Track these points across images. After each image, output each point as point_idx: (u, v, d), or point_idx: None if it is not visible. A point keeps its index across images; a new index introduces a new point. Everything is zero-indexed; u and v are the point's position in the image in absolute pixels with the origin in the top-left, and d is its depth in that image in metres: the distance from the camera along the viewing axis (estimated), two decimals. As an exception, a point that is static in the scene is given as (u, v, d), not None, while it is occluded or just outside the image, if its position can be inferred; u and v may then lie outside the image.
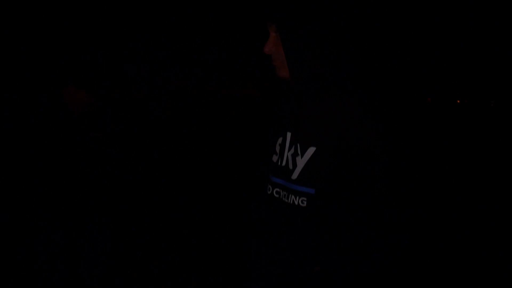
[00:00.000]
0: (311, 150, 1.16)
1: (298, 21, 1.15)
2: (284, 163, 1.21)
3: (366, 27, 1.22)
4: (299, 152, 1.17)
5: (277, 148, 1.25)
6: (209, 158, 7.80)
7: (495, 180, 6.57)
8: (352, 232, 1.13)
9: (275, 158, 1.25)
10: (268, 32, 1.23)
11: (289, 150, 1.21)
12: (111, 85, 2.27)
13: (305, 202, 1.15)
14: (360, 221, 1.12)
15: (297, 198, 1.16)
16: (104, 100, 2.20)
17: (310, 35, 1.14)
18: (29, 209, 2.19)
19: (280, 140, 1.25)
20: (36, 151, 2.16)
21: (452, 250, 3.83)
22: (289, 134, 1.22)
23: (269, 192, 1.24)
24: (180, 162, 7.36)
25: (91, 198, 2.16)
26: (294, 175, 1.18)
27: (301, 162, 1.17)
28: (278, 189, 1.21)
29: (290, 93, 1.27)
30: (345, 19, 1.16)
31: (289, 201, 1.18)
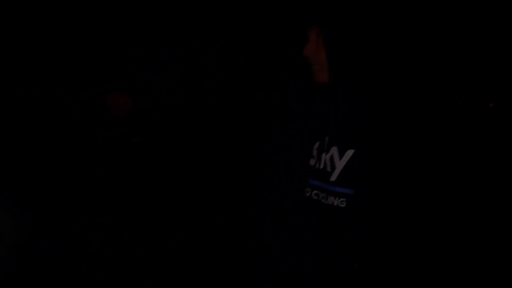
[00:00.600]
0: (350, 153, 1.21)
1: (344, 24, 1.20)
2: (322, 166, 1.26)
3: (407, 30, 1.25)
4: (337, 154, 1.23)
5: (314, 152, 1.30)
6: (209, 158, 7.80)
7: (496, 181, 6.56)
8: (387, 231, 1.18)
9: (312, 161, 1.30)
10: (306, 35, 1.28)
11: (326, 153, 1.26)
12: (111, 85, 2.27)
13: (344, 203, 1.21)
14: (392, 221, 1.19)
15: (337, 199, 1.22)
16: (104, 100, 2.20)
17: (355, 39, 1.19)
18: (29, 209, 2.19)
19: (317, 144, 1.30)
20: (36, 151, 2.16)
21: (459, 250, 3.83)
22: (327, 138, 1.27)
23: (307, 195, 1.29)
24: (180, 162, 7.35)
25: (91, 198, 2.16)
26: (333, 177, 1.23)
27: (340, 164, 1.22)
28: (317, 191, 1.26)
29: (325, 96, 1.31)
30: (388, 22, 1.21)
31: (328, 202, 1.23)
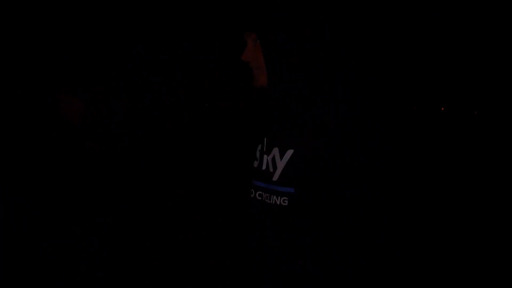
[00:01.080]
0: (290, 153, 1.24)
1: (280, 29, 1.22)
2: (264, 167, 1.29)
3: (348, 33, 1.28)
4: (278, 155, 1.26)
5: (257, 154, 1.34)
6: (209, 158, 7.80)
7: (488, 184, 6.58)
8: (333, 227, 1.20)
9: (256, 163, 1.34)
10: (244, 41, 1.31)
11: (268, 154, 1.29)
12: (111, 85, 2.27)
13: (286, 201, 1.23)
14: (339, 218, 1.20)
15: (279, 198, 1.25)
16: (103, 100, 2.20)
17: (291, 43, 1.22)
18: (29, 209, 2.19)
19: (259, 146, 1.34)
20: (36, 151, 2.16)
21: (449, 252, 3.84)
22: (266, 140, 1.31)
23: (252, 196, 1.33)
24: (180, 162, 7.36)
25: (91, 198, 2.16)
26: (275, 177, 1.26)
27: (280, 164, 1.25)
28: (261, 192, 1.29)
29: (266, 100, 1.35)
30: (328, 26, 1.23)
31: (271, 201, 1.26)
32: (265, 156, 1.30)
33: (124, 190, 2.26)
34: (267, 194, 1.27)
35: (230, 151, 7.93)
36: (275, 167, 1.26)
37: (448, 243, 4.02)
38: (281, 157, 1.25)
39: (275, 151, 1.26)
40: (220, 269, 3.43)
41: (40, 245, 2.19)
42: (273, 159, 1.27)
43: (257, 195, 1.31)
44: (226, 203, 5.15)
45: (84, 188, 2.13)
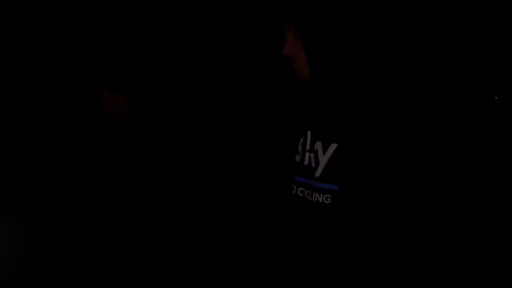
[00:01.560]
0: (333, 147, 1.18)
1: (320, 21, 1.18)
2: (306, 162, 1.22)
3: (386, 25, 1.25)
4: (321, 149, 1.20)
5: (299, 148, 1.27)
6: (209, 158, 7.80)
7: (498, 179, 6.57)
8: (374, 229, 1.14)
9: (297, 158, 1.27)
10: (284, 34, 1.26)
11: (310, 148, 1.22)
12: (111, 85, 2.27)
13: (329, 199, 1.17)
14: (381, 218, 1.15)
15: (321, 195, 1.18)
16: (103, 100, 2.20)
17: (332, 34, 1.18)
18: (29, 209, 2.19)
19: (301, 140, 1.27)
20: (37, 151, 2.16)
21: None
22: (309, 133, 1.24)
23: (294, 192, 1.26)
24: (180, 162, 7.36)
25: (91, 198, 2.16)
26: (317, 173, 1.20)
27: (323, 159, 1.19)
28: (302, 188, 1.23)
29: (307, 92, 1.30)
30: (365, 17, 1.20)
31: (313, 199, 1.20)
32: (307, 150, 1.23)
33: (124, 190, 2.26)
34: (309, 191, 1.21)
35: (230, 151, 7.93)
36: (317, 162, 1.20)
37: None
38: (324, 151, 1.19)
39: (318, 145, 1.20)
40: (220, 269, 3.43)
41: (40, 245, 2.19)
42: (316, 154, 1.21)
43: (298, 191, 1.24)
44: (226, 203, 5.15)
45: (84, 188, 2.13)
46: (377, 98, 1.17)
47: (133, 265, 3.48)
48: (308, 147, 1.23)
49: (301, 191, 1.24)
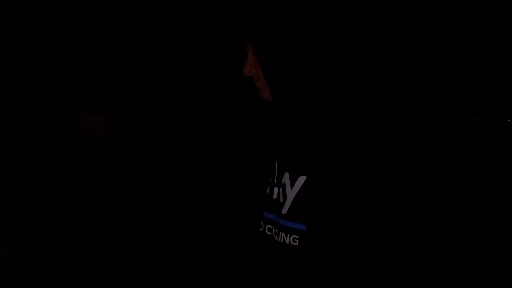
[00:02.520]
0: (302, 180, 1.01)
1: (276, 43, 1.05)
2: (275, 196, 1.06)
3: (345, 45, 1.14)
4: (289, 182, 1.03)
5: (270, 179, 1.10)
6: (209, 158, 7.80)
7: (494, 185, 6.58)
8: (350, 273, 1.00)
9: (268, 190, 1.10)
10: (246, 53, 1.13)
11: (278, 181, 1.06)
12: (111, 85, 2.27)
13: (297, 241, 1.01)
14: (357, 259, 1.00)
15: (288, 236, 1.02)
16: (103, 100, 2.20)
17: (288, 56, 1.04)
18: (29, 209, 2.19)
19: (272, 168, 1.10)
20: (37, 152, 2.16)
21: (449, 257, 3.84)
22: (277, 163, 1.08)
23: (261, 229, 1.10)
24: (180, 162, 7.36)
25: (91, 198, 2.17)
26: (284, 209, 1.03)
27: (291, 193, 1.03)
28: (270, 226, 1.07)
29: (274, 117, 1.14)
30: (324, 39, 1.08)
31: (279, 239, 1.03)
32: (275, 183, 1.07)
33: (124, 190, 2.26)
34: (276, 230, 1.05)
35: (230, 151, 7.93)
36: (285, 197, 1.03)
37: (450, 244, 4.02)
38: (292, 185, 1.03)
39: (286, 177, 1.04)
40: (220, 269, 3.43)
41: (40, 245, 2.19)
42: (284, 187, 1.04)
43: (266, 229, 1.08)
44: (226, 203, 5.15)
45: (84, 188, 2.13)
46: (349, 123, 1.00)
47: (133, 265, 3.48)
48: (276, 179, 1.07)
49: (269, 229, 1.07)
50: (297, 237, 1.01)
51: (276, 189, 1.06)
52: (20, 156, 2.20)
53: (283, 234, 1.03)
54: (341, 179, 0.97)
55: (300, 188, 1.01)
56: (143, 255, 3.69)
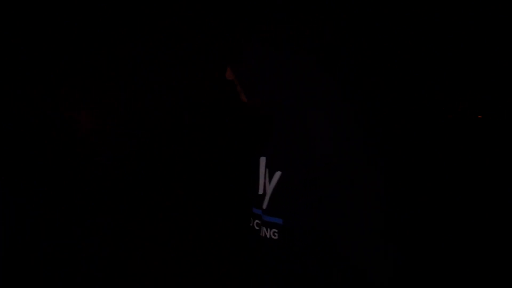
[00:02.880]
0: (278, 175, 1.06)
1: (249, 48, 1.11)
2: (261, 192, 1.11)
3: (345, 44, 1.16)
4: (268, 178, 1.08)
5: (256, 175, 1.16)
6: (209, 158, 7.80)
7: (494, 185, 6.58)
8: (325, 265, 1.03)
9: (256, 186, 1.15)
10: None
11: (264, 176, 1.11)
12: (111, 85, 2.27)
13: (276, 234, 1.06)
14: (331, 254, 1.03)
15: (268, 230, 1.07)
16: (103, 100, 2.19)
17: (259, 53, 1.10)
18: (29, 209, 2.19)
19: (257, 165, 1.16)
20: (37, 152, 2.16)
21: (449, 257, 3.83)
22: (262, 159, 1.13)
23: (251, 225, 1.15)
24: (180, 162, 7.36)
25: (91, 198, 2.16)
26: (264, 204, 1.08)
27: (269, 189, 1.08)
28: (258, 221, 1.11)
29: (260, 116, 1.21)
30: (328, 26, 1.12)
31: (262, 233, 1.08)
32: (261, 179, 1.12)
33: (124, 190, 2.26)
34: (260, 225, 1.10)
35: (230, 151, 7.93)
36: (265, 193, 1.09)
37: (449, 244, 4.02)
38: (270, 180, 1.08)
39: (267, 173, 1.09)
40: (220, 269, 3.43)
41: (40, 245, 2.19)
42: (265, 183, 1.09)
43: (255, 224, 1.13)
44: (226, 203, 5.15)
45: (84, 188, 2.13)
46: (323, 120, 1.04)
47: (133, 265, 3.48)
48: (261, 175, 1.12)
49: (257, 224, 1.12)
50: (276, 231, 1.06)
51: (261, 184, 1.11)
52: (20, 156, 2.20)
53: (264, 228, 1.08)
54: (317, 177, 1.01)
55: (276, 184, 1.06)
56: (143, 255, 3.68)
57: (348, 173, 1.02)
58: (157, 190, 5.54)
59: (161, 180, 6.07)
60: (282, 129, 1.10)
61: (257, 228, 1.12)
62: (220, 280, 3.30)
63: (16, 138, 2.25)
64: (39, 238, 2.21)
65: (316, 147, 1.02)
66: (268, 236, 1.07)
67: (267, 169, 1.10)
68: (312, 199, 1.03)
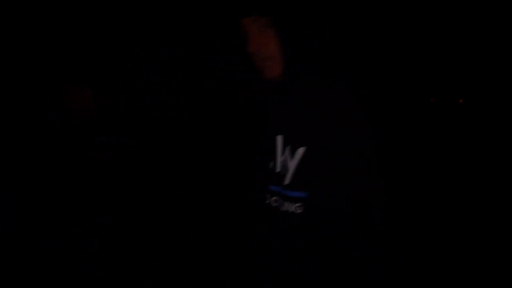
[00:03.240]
0: (301, 151, 1.09)
1: (299, 15, 1.10)
2: (279, 169, 1.14)
3: (367, 25, 1.18)
4: (289, 154, 1.11)
5: (274, 154, 1.18)
6: (209, 158, 7.80)
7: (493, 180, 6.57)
8: (349, 237, 1.06)
9: (271, 164, 1.18)
10: (241, 30, 1.17)
11: (282, 154, 1.14)
12: (111, 85, 2.27)
13: (300, 208, 1.09)
14: (356, 225, 1.06)
15: (292, 204, 1.10)
16: (103, 100, 2.20)
17: (310, 30, 1.10)
18: (29, 209, 2.19)
19: (275, 145, 1.18)
20: (37, 151, 2.15)
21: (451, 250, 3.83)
22: (280, 138, 1.15)
23: (267, 202, 1.17)
24: (180, 162, 7.36)
25: (91, 198, 2.16)
26: (287, 180, 1.11)
27: (292, 165, 1.10)
28: (276, 197, 1.14)
29: (280, 93, 1.20)
30: (347, 15, 1.14)
31: (283, 208, 1.11)
32: (278, 156, 1.14)
33: (124, 190, 2.26)
34: (280, 200, 1.12)
35: (230, 151, 7.93)
36: (286, 169, 1.11)
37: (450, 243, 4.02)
38: (292, 156, 1.10)
39: (288, 150, 1.11)
40: (220, 269, 3.43)
41: (40, 245, 2.19)
42: (285, 160, 1.12)
43: (272, 201, 1.15)
44: (226, 203, 5.15)
45: (84, 188, 2.13)
46: (350, 99, 1.08)
47: (133, 265, 3.47)
48: (279, 153, 1.15)
49: (275, 201, 1.15)
50: (300, 205, 1.09)
51: (279, 161, 1.14)
52: (20, 156, 2.20)
53: (287, 203, 1.11)
54: (338, 150, 1.06)
55: (300, 159, 1.09)
56: (143, 255, 3.68)
57: (374, 144, 1.06)
58: (157, 190, 5.54)
59: (161, 180, 6.07)
60: (303, 108, 1.11)
61: (275, 204, 1.14)
62: (220, 280, 3.30)
63: (16, 138, 2.25)
64: (39, 238, 2.21)
65: (342, 120, 1.05)
66: (291, 210, 1.09)
67: (287, 147, 1.12)
68: (338, 171, 1.05)
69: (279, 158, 1.14)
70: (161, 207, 5.01)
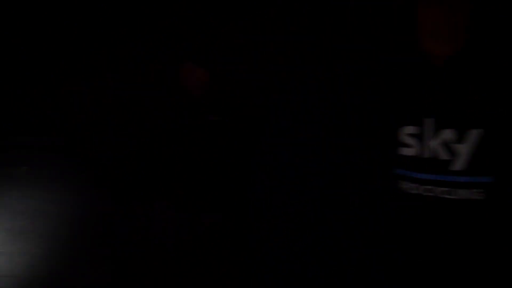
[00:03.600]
0: (477, 133, 1.04)
1: None
2: (429, 155, 1.09)
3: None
4: (456, 138, 1.06)
5: (409, 140, 1.12)
6: (209, 158, 7.80)
7: None
8: None
9: (409, 151, 1.13)
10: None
11: (434, 138, 1.08)
12: (110, 85, 2.27)
13: (481, 194, 1.05)
14: None
15: (470, 191, 1.06)
16: (103, 100, 2.20)
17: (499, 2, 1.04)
18: (31, 209, 2.19)
19: (412, 129, 1.12)
20: (37, 152, 2.16)
21: None
22: (430, 121, 1.10)
23: (415, 192, 1.13)
24: (180, 162, 7.35)
25: (91, 198, 2.16)
26: (458, 166, 1.06)
27: (463, 149, 1.05)
28: (432, 186, 1.10)
29: (433, 73, 1.13)
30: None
31: (456, 196, 1.07)
32: (428, 141, 1.10)
33: (124, 190, 2.26)
34: (445, 188, 1.08)
35: (230, 151, 7.93)
36: (453, 154, 1.07)
37: None
38: (462, 140, 1.06)
39: (448, 133, 1.07)
40: (220, 269, 3.43)
41: (40, 245, 2.19)
42: (447, 144, 1.08)
43: (423, 190, 1.12)
44: (226, 203, 5.15)
45: (84, 188, 2.13)
46: None
47: (133, 265, 3.47)
48: (430, 138, 1.08)
49: (429, 190, 1.10)
50: (482, 190, 1.04)
51: (431, 146, 1.06)
52: (20, 156, 2.20)
53: (460, 190, 1.05)
54: None
55: (479, 142, 1.02)
56: (143, 255, 3.69)
57: None
58: (157, 190, 5.53)
59: (161, 180, 6.06)
60: (471, 88, 1.05)
61: (431, 194, 1.08)
62: (220, 280, 3.30)
63: (16, 138, 2.25)
64: (39, 238, 2.21)
65: None
66: (467, 197, 1.05)
67: (448, 130, 1.05)
68: None
69: (431, 143, 1.07)
70: (161, 207, 5.01)
